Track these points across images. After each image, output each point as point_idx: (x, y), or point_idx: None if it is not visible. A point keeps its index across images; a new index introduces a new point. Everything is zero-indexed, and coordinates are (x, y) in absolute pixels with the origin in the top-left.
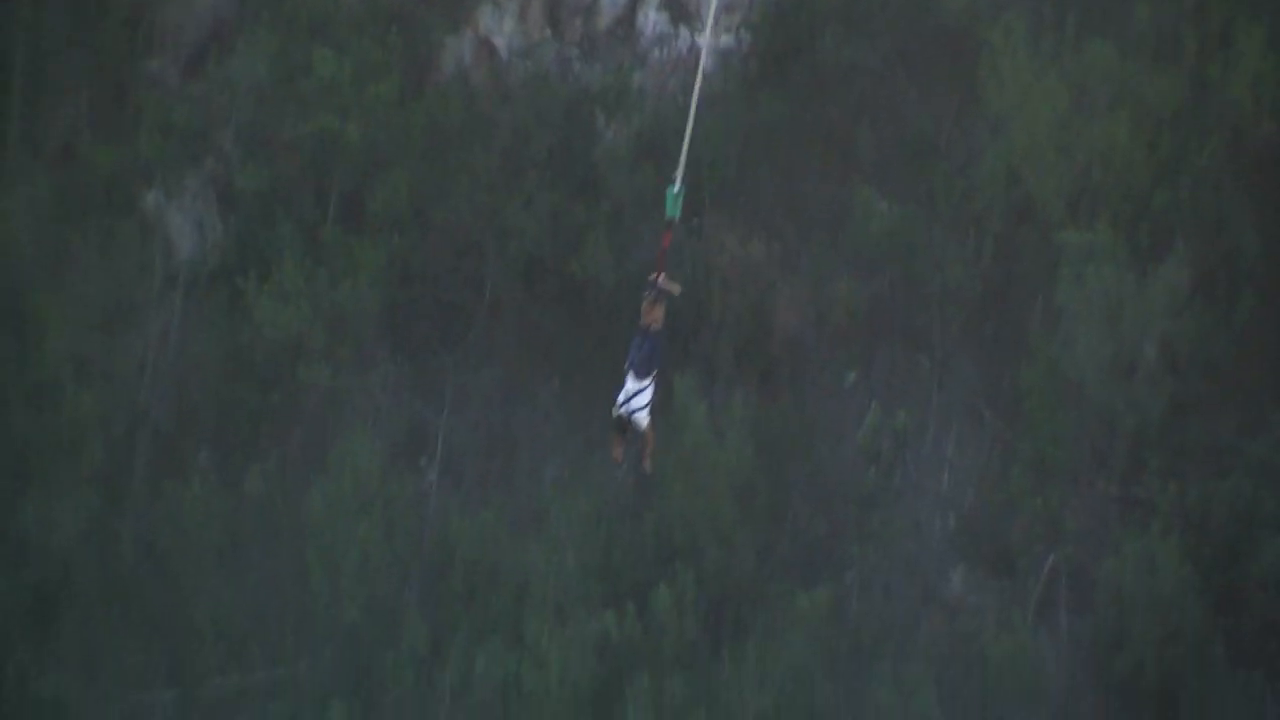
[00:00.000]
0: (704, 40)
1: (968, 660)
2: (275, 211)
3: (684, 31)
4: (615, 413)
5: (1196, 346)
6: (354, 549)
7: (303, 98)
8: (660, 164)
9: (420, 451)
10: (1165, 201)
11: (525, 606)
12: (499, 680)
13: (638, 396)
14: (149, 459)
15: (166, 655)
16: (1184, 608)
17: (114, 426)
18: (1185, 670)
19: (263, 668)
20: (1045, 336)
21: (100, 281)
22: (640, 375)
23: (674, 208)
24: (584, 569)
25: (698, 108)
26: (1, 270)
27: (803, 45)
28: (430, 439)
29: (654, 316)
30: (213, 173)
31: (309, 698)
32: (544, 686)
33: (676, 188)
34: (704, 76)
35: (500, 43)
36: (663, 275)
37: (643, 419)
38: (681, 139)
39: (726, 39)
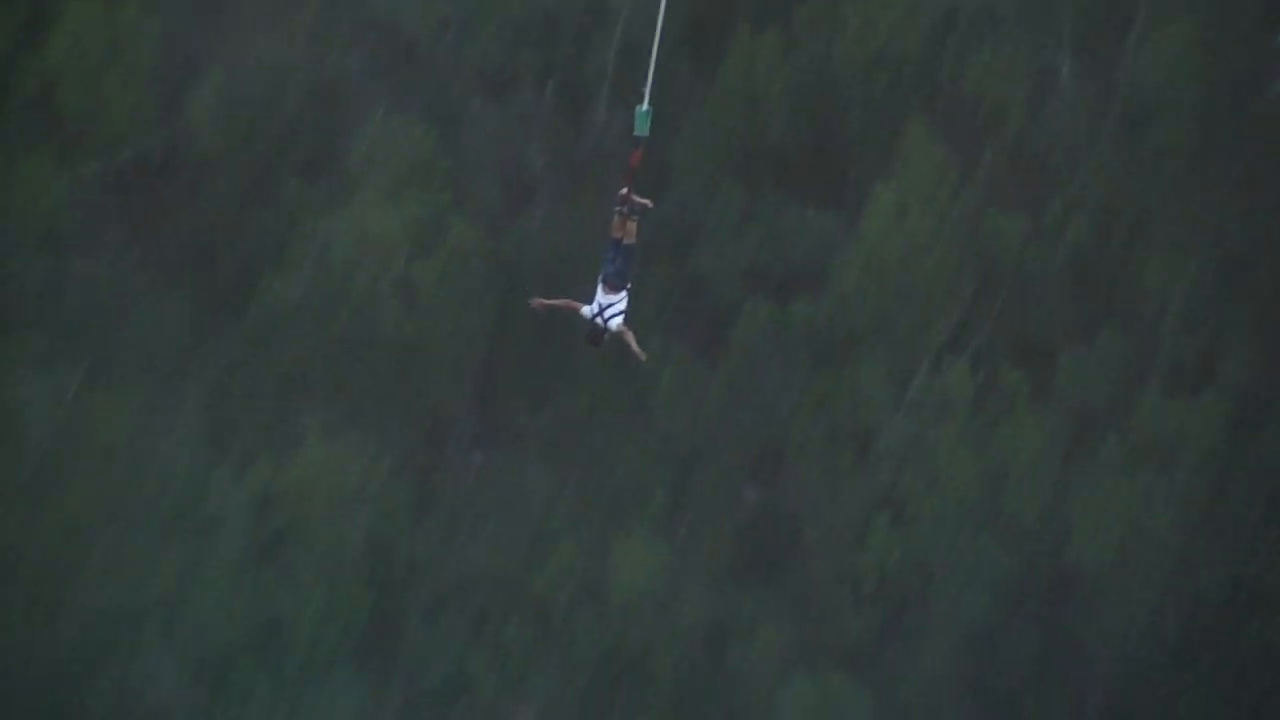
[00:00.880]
0: None
1: None
2: None
3: None
4: (589, 323)
5: None
6: None
7: None
8: None
9: None
10: None
11: None
12: None
13: (611, 308)
14: None
15: None
16: None
17: None
18: None
19: None
20: None
21: None
22: (614, 288)
23: (643, 126)
24: None
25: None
26: None
27: None
28: None
29: (627, 231)
30: None
31: None
32: None
33: (645, 106)
34: None
35: None
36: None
37: (617, 323)
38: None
39: None
